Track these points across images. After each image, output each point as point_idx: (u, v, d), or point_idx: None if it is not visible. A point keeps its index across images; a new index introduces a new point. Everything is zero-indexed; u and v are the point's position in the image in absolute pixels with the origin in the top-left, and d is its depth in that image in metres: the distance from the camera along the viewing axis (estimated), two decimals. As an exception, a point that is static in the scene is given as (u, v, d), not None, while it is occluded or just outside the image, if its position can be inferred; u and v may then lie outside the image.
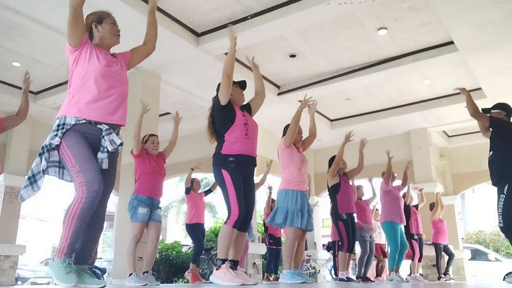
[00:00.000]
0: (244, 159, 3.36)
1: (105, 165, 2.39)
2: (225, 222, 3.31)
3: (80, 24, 2.41)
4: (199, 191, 6.75)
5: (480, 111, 4.39)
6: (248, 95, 3.74)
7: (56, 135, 2.32)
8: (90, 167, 2.28)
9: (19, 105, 3.92)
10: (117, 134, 2.47)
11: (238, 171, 3.34)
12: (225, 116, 3.42)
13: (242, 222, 3.37)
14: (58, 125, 2.35)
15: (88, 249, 2.42)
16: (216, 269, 3.27)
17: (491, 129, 4.35)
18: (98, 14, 2.59)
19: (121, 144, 2.41)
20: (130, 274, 4.50)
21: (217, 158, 3.42)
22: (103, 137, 2.38)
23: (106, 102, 2.41)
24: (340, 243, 5.70)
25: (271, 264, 7.43)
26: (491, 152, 4.22)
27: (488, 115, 4.40)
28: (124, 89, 2.52)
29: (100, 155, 2.39)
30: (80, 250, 2.38)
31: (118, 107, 2.46)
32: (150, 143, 4.81)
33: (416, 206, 8.04)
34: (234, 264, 3.43)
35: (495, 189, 4.20)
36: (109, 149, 2.37)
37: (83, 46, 2.44)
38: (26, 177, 2.34)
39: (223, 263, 3.26)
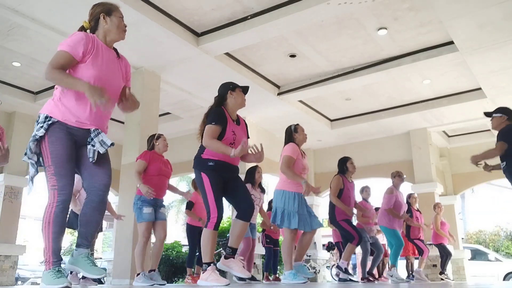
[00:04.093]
0: (224, 165, 3.36)
1: (93, 155, 2.36)
2: (206, 226, 3.31)
3: (67, 66, 2.31)
4: None
5: (496, 149, 4.27)
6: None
7: (41, 126, 2.29)
8: (65, 172, 2.28)
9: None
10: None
11: (217, 175, 3.35)
12: None
13: (245, 212, 3.39)
14: (46, 117, 2.31)
15: (90, 232, 2.40)
16: (203, 273, 3.30)
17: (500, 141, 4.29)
18: (108, 6, 2.51)
19: (112, 144, 2.37)
20: (138, 274, 4.52)
21: (197, 161, 3.44)
22: (92, 139, 2.35)
23: (92, 112, 2.35)
24: (343, 241, 5.69)
25: (270, 263, 7.43)
26: (504, 163, 4.22)
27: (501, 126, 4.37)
28: (113, 100, 2.48)
29: (89, 147, 2.36)
30: (83, 233, 2.37)
31: (103, 115, 2.43)
32: (162, 140, 4.87)
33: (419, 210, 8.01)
34: (233, 252, 3.44)
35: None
36: (101, 152, 2.35)
37: (83, 55, 2.35)
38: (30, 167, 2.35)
39: (208, 265, 3.28)
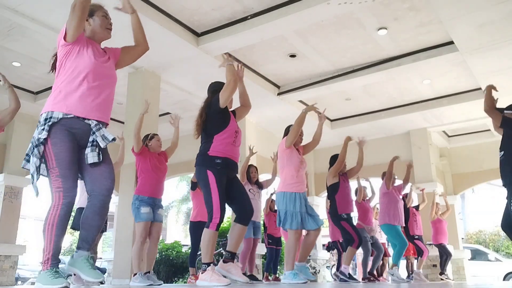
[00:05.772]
0: (229, 163, 3.39)
1: (92, 160, 2.32)
2: (207, 226, 3.30)
3: (84, 21, 2.38)
4: None
5: (492, 111, 4.29)
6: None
7: (43, 129, 2.28)
8: (70, 174, 2.27)
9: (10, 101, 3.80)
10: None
11: (223, 173, 3.36)
12: (220, 118, 3.47)
13: (245, 216, 3.40)
14: (45, 119, 2.31)
15: (91, 236, 2.39)
16: (202, 273, 3.28)
17: (502, 128, 4.20)
18: (89, 7, 2.52)
19: (113, 140, 2.38)
20: (135, 274, 4.52)
21: (203, 158, 3.41)
22: (93, 133, 2.34)
23: (94, 99, 2.36)
24: (341, 242, 5.69)
25: (271, 263, 7.42)
26: (502, 152, 4.10)
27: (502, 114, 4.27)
28: (112, 87, 2.50)
29: (88, 150, 2.33)
30: (84, 236, 2.36)
31: (106, 105, 2.43)
32: (155, 140, 4.90)
33: (417, 207, 8.05)
34: (232, 256, 3.43)
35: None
36: (102, 146, 2.33)
37: (78, 40, 2.40)
38: (30, 173, 2.31)
39: (208, 266, 3.26)
